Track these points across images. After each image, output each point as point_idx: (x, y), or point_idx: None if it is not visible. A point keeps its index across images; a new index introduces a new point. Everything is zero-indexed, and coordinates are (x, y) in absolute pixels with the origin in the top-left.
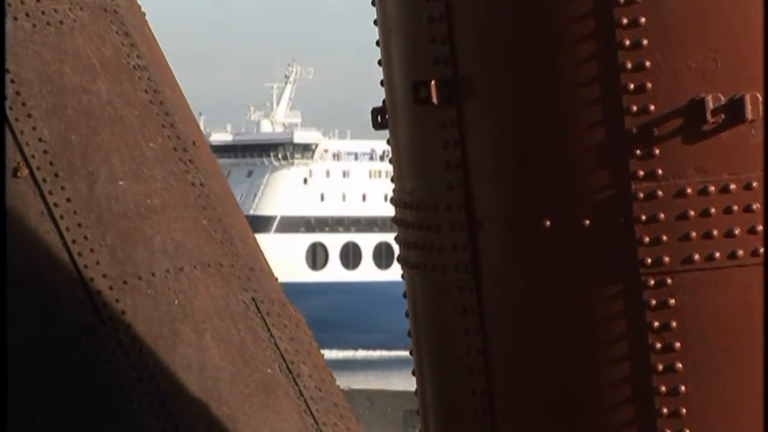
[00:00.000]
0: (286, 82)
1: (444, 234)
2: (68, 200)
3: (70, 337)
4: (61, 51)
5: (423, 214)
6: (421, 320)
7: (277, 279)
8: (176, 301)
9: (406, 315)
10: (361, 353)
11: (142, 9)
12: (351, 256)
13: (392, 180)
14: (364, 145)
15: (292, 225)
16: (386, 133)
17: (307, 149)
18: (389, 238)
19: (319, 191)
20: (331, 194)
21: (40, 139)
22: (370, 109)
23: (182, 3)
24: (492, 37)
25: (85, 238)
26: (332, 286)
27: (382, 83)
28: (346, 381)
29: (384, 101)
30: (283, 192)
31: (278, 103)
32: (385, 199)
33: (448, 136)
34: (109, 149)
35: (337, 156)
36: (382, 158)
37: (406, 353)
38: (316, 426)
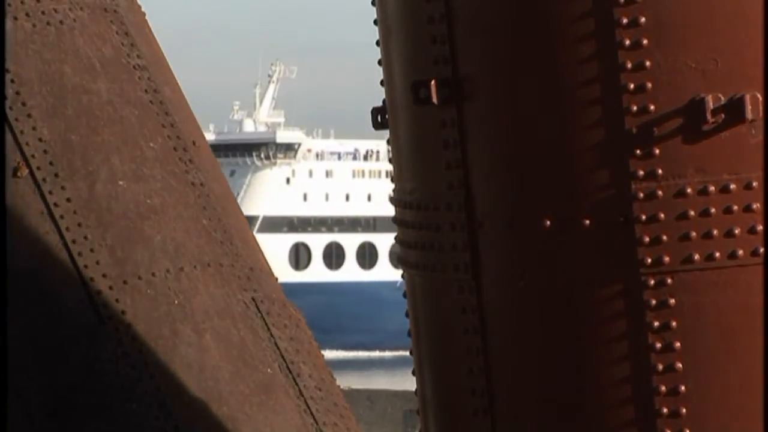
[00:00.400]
0: (269, 82)
1: (444, 234)
2: (68, 200)
3: (70, 337)
4: (61, 51)
5: (423, 214)
6: (421, 320)
7: (277, 279)
8: (176, 301)
9: (406, 315)
10: (349, 354)
11: (142, 9)
12: (334, 256)
13: (392, 180)
14: (347, 145)
15: (274, 225)
16: (369, 132)
17: (289, 149)
18: (372, 238)
19: (301, 191)
20: (314, 194)
21: (40, 139)
22: (354, 107)
23: (167, 1)
24: (492, 37)
25: (85, 238)
26: (315, 286)
27: (382, 83)
28: (343, 381)
29: (384, 101)
30: (266, 192)
31: (261, 103)
32: (369, 198)
33: (448, 136)
34: (109, 149)
35: (320, 156)
36: (365, 158)
37: (393, 353)
38: (316, 426)
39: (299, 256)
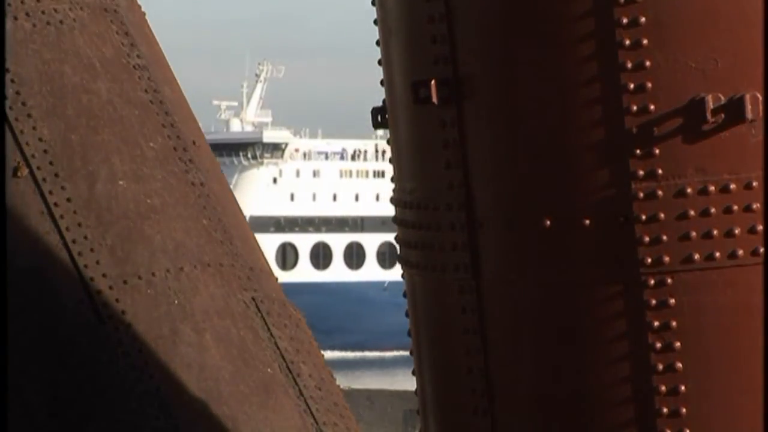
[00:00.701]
0: (256, 81)
1: (444, 234)
2: (68, 200)
3: (70, 337)
4: (61, 51)
5: (423, 213)
6: (421, 320)
7: (276, 279)
8: (176, 301)
9: (406, 315)
10: (338, 354)
11: (142, 9)
12: (321, 256)
13: (391, 180)
14: (335, 145)
15: (261, 225)
16: (357, 132)
17: (276, 148)
18: (360, 238)
19: (288, 191)
20: (301, 194)
21: (40, 139)
22: (342, 107)
23: None
24: (492, 36)
25: (85, 237)
26: (302, 286)
27: (382, 83)
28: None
29: (384, 101)
30: (253, 192)
31: (248, 102)
32: (356, 198)
33: (448, 136)
34: (109, 149)
35: (307, 155)
36: (353, 158)
37: (381, 354)
38: (316, 426)
39: (286, 256)
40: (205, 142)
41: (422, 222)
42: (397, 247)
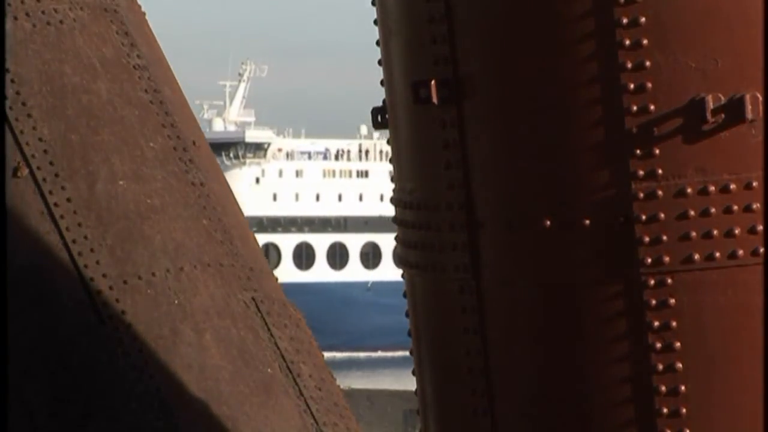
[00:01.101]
0: (239, 80)
1: (444, 234)
2: (68, 200)
3: (70, 337)
4: (61, 51)
5: (423, 214)
6: (421, 320)
7: (277, 279)
8: (176, 301)
9: (406, 315)
10: (328, 354)
11: (142, 9)
12: (304, 256)
13: (392, 180)
14: (318, 144)
15: None
16: (341, 132)
17: (259, 148)
18: (343, 238)
19: (271, 191)
20: (284, 194)
21: (40, 139)
22: (323, 107)
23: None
24: (492, 36)
25: (85, 237)
26: (285, 286)
27: (382, 83)
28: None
29: (384, 101)
30: (235, 192)
31: (231, 102)
32: (339, 199)
33: (448, 136)
34: (109, 149)
35: (290, 155)
36: (336, 158)
37: (366, 354)
38: (316, 426)
39: (269, 257)
40: (205, 143)
41: (422, 222)
42: (397, 247)
